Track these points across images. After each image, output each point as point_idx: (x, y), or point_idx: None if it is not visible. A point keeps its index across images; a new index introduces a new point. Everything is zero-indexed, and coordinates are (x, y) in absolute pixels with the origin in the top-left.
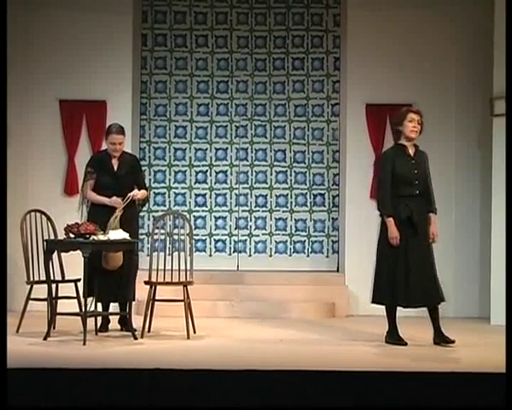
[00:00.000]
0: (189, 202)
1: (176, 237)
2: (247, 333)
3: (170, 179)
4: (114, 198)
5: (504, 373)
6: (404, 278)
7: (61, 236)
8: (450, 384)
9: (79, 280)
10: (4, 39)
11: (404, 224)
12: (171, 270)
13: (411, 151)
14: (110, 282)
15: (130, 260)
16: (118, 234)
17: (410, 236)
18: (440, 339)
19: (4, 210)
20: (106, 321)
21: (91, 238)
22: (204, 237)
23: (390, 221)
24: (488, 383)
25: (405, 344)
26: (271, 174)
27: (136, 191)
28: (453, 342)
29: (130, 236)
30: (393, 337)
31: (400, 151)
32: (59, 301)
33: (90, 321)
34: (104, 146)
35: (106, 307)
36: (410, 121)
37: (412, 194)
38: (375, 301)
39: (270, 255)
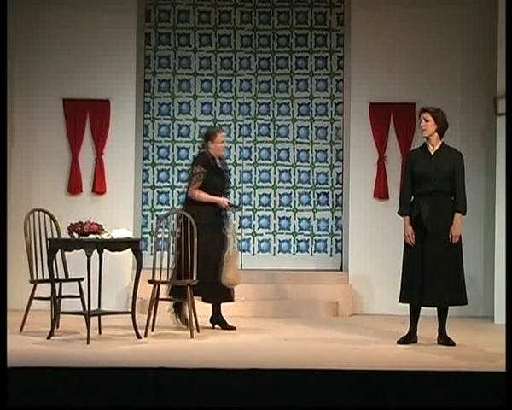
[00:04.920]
0: None
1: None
2: (251, 332)
3: (173, 178)
4: (223, 198)
5: (504, 373)
6: (420, 277)
7: (65, 235)
8: (450, 384)
9: (83, 279)
10: (4, 39)
11: (416, 223)
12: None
13: (432, 149)
14: None
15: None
16: (121, 233)
17: (423, 235)
18: (443, 340)
19: (4, 210)
20: None
21: (95, 237)
22: None
23: (404, 220)
24: (488, 383)
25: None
26: (275, 173)
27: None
28: (454, 344)
29: None
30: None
31: (422, 149)
32: (62, 300)
33: (94, 320)
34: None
35: None
36: (420, 121)
37: (427, 191)
38: (400, 300)
39: (274, 254)
